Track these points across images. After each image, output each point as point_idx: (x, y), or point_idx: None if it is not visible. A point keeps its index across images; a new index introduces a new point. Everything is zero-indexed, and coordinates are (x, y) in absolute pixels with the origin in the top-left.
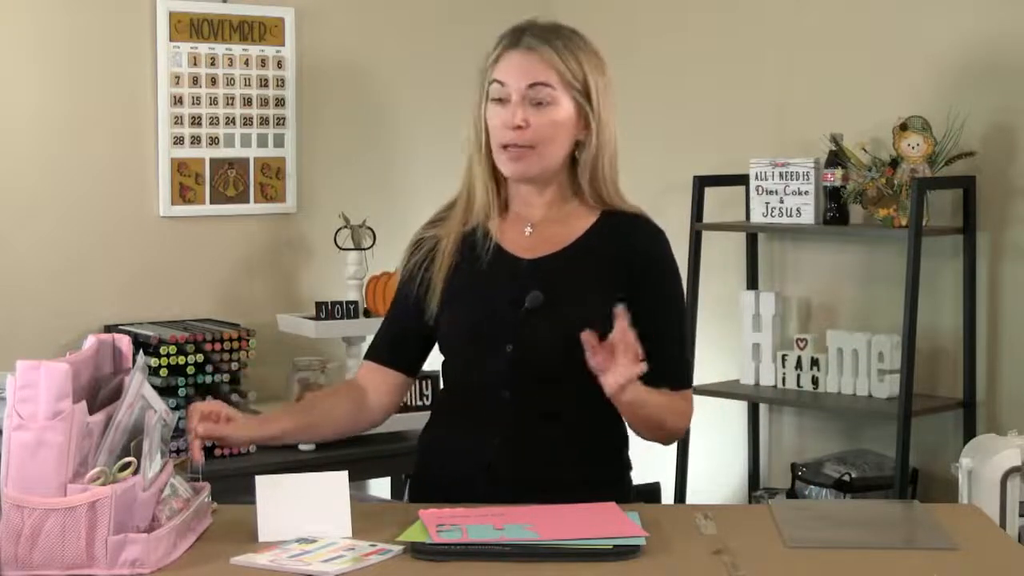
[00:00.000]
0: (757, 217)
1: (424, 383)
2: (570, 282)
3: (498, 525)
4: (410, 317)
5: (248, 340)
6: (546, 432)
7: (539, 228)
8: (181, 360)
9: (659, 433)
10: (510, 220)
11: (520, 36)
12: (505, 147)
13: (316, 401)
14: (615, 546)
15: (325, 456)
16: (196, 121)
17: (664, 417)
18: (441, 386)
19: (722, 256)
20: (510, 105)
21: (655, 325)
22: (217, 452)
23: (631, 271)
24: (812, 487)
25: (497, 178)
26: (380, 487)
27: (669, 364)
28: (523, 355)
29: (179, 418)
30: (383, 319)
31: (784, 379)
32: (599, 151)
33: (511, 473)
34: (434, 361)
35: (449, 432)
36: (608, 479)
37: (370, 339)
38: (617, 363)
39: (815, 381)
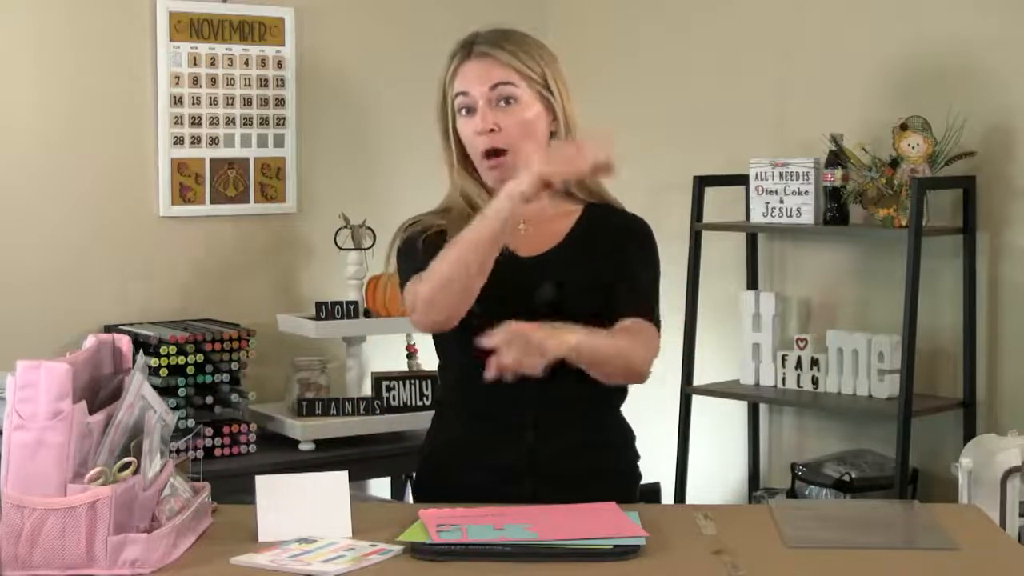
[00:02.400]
0: (757, 217)
1: (424, 383)
2: (573, 273)
3: (498, 525)
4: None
5: (248, 340)
6: (572, 422)
7: (532, 224)
8: (181, 360)
9: (626, 371)
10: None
11: (471, 46)
12: (484, 156)
13: None
14: (615, 546)
15: (325, 456)
16: (196, 121)
17: (621, 353)
18: (440, 388)
19: (722, 256)
20: (477, 112)
21: (627, 271)
22: (217, 452)
23: (617, 247)
24: (812, 487)
25: (485, 184)
26: (380, 487)
27: (633, 296)
28: None
29: (179, 418)
30: (407, 266)
31: (784, 379)
32: (571, 138)
33: (551, 465)
34: (432, 362)
35: (471, 434)
36: (628, 467)
37: (371, 339)
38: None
39: (815, 381)
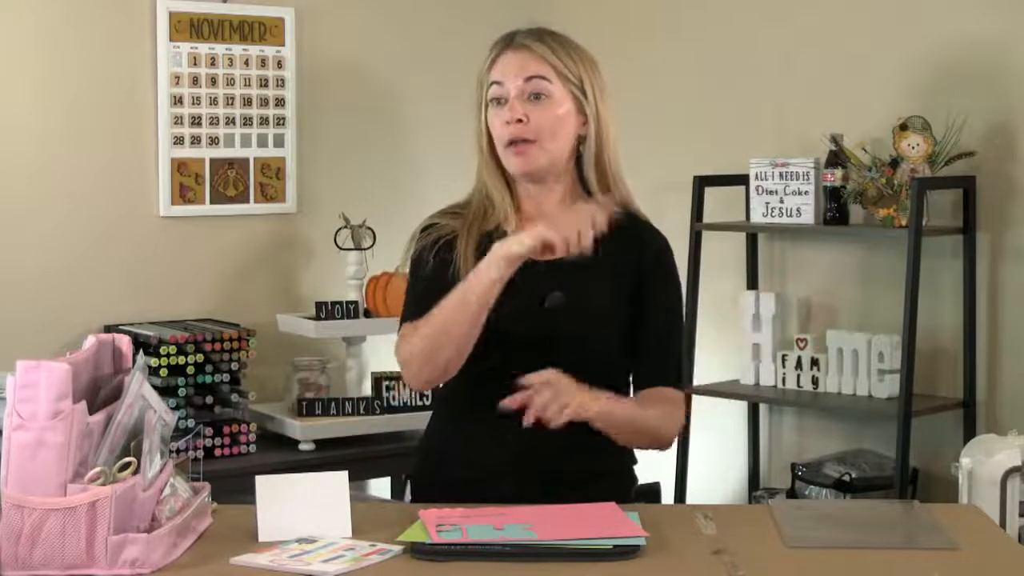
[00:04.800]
0: (757, 217)
1: None
2: (585, 282)
3: (498, 525)
4: (440, 284)
5: (248, 340)
6: (567, 428)
7: (551, 228)
8: (181, 360)
9: (652, 440)
10: (523, 222)
11: (513, 37)
12: (509, 144)
13: None
14: (615, 546)
15: (325, 456)
16: (196, 121)
17: (648, 424)
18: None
19: (722, 256)
20: (509, 102)
21: (653, 323)
22: (217, 452)
23: (638, 270)
24: (812, 487)
25: (508, 181)
26: (380, 487)
27: (662, 362)
28: (543, 354)
29: (179, 418)
30: (409, 292)
31: (784, 379)
32: (601, 144)
33: (535, 468)
34: None
35: (465, 432)
36: (620, 470)
37: (371, 339)
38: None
39: (815, 381)
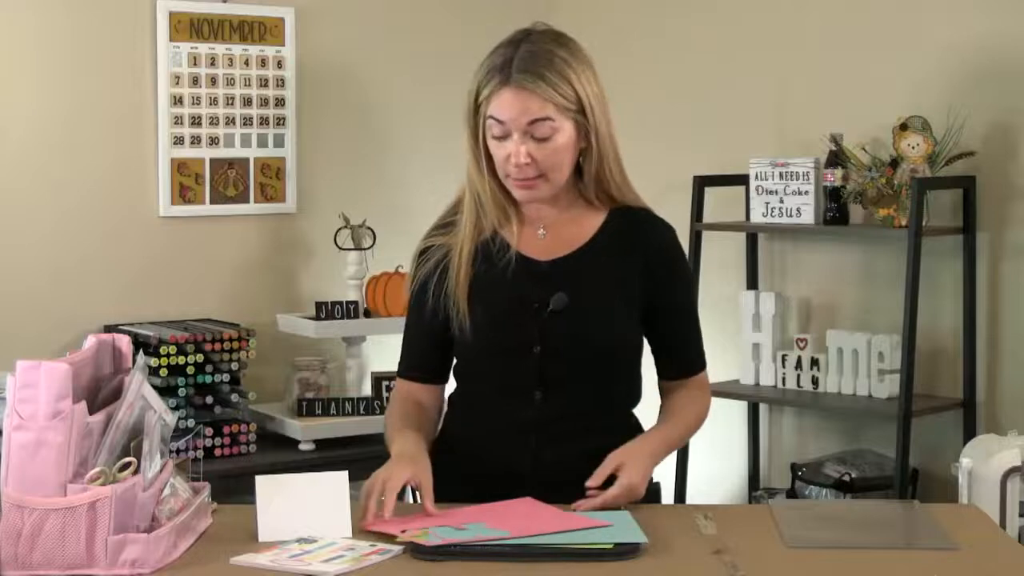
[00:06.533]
0: (757, 217)
1: None
2: (589, 281)
3: (459, 526)
4: (433, 329)
5: (248, 340)
6: (578, 428)
7: (552, 229)
8: (181, 360)
9: (694, 431)
10: (523, 224)
11: (509, 72)
12: (512, 176)
13: (422, 422)
14: (615, 545)
15: (325, 456)
16: (196, 121)
17: (689, 430)
18: (453, 388)
19: (722, 256)
20: (512, 141)
21: (671, 315)
22: (217, 452)
23: (644, 264)
24: (812, 487)
25: (506, 190)
26: None
27: (688, 352)
28: (551, 356)
29: (179, 418)
30: (404, 335)
31: (784, 379)
32: (602, 157)
33: (552, 470)
34: None
35: (478, 434)
36: None
37: (371, 339)
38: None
39: (815, 381)
